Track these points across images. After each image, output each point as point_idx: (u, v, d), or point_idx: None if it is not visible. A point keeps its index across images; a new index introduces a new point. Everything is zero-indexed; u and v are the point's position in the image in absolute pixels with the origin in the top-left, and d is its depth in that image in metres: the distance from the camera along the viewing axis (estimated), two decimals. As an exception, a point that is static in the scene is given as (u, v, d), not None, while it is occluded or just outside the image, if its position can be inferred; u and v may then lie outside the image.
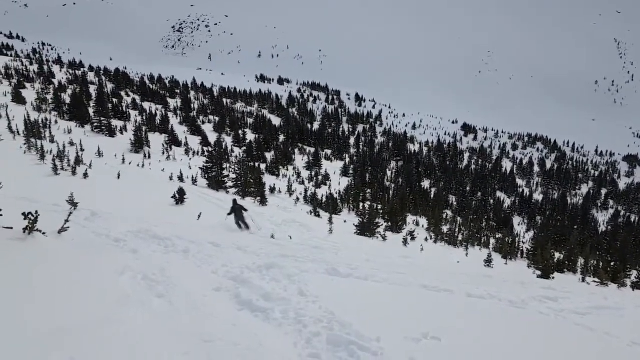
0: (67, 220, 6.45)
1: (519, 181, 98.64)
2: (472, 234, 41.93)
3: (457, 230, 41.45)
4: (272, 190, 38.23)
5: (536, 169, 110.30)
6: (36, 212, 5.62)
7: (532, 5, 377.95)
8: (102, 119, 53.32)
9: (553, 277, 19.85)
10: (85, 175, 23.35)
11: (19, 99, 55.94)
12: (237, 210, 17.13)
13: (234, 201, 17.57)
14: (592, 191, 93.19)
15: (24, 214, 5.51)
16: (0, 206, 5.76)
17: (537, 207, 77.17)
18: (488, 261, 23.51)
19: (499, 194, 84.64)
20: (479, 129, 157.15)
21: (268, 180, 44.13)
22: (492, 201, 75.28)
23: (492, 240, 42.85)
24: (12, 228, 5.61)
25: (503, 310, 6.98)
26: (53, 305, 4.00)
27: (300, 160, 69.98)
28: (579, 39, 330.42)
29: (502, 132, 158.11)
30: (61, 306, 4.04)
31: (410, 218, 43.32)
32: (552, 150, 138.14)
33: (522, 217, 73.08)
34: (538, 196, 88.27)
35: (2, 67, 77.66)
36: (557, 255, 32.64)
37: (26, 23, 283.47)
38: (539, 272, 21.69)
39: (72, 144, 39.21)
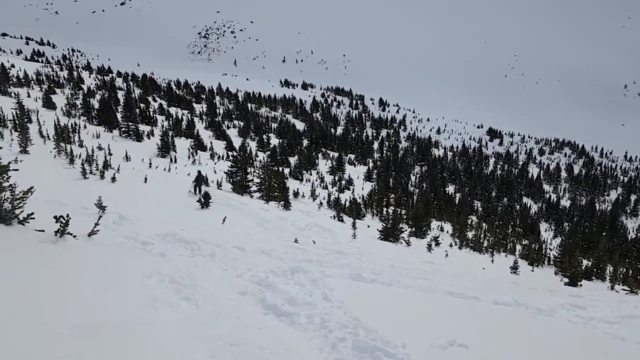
0: (97, 224, 6.58)
1: (546, 187, 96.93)
2: (498, 240, 41.34)
3: (482, 236, 40.94)
4: (296, 194, 38.31)
5: (563, 174, 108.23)
6: (67, 215, 5.74)
7: (559, 8, 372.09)
8: (130, 123, 54.26)
9: (581, 285, 19.49)
10: (113, 179, 23.73)
11: (49, 104, 57.26)
12: (199, 180, 23.74)
13: (199, 172, 24.77)
14: (621, 197, 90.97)
15: (55, 217, 5.64)
16: (33, 209, 5.90)
17: (565, 213, 75.74)
18: (514, 268, 23.15)
19: (525, 199, 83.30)
20: (505, 134, 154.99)
21: (292, 184, 44.25)
22: (518, 207, 74.13)
23: (518, 247, 42.21)
24: (43, 231, 5.74)
25: (530, 318, 6.87)
26: (83, 306, 4.08)
27: (323, 165, 70.03)
28: (608, 43, 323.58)
29: (529, 137, 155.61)
30: (91, 307, 4.12)
31: (434, 223, 42.92)
32: (579, 156, 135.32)
33: (549, 223, 71.81)
34: (565, 202, 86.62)
35: (33, 73, 79.65)
36: (585, 262, 31.99)
37: (57, 30, 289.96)
38: (566, 280, 21.30)
39: (100, 148, 39.94)
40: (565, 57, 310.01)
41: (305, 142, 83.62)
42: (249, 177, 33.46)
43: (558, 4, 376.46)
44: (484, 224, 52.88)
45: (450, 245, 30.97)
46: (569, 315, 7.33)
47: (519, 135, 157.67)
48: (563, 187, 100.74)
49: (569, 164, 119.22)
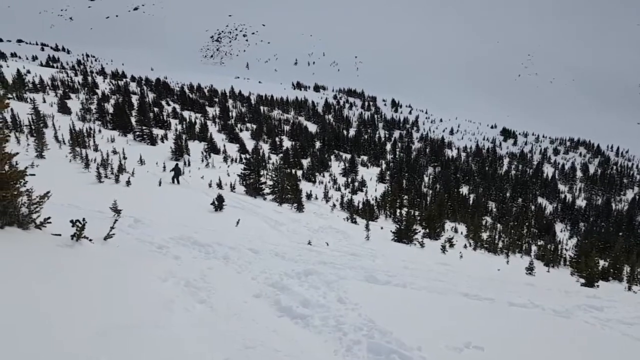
0: (112, 227, 6.64)
1: (561, 187, 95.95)
2: (513, 241, 40.99)
3: (497, 237, 40.64)
4: (309, 196, 38.33)
5: (579, 174, 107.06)
6: (83, 219, 5.80)
7: (572, 7, 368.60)
8: (144, 127, 54.70)
9: (598, 286, 19.25)
10: (128, 182, 23.93)
11: (64, 109, 57.96)
12: (177, 170, 27.22)
13: (176, 164, 28.70)
14: (637, 197, 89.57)
15: (71, 221, 5.70)
16: (49, 213, 5.97)
17: (580, 213, 74.94)
18: (530, 269, 22.93)
19: (540, 200, 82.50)
20: (519, 134, 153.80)
21: (304, 186, 44.29)
22: (533, 207, 73.43)
23: (534, 248, 41.83)
24: (60, 235, 5.80)
25: (547, 320, 6.81)
26: (100, 310, 4.11)
27: (336, 167, 70.02)
28: (623, 41, 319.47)
29: (543, 136, 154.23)
30: (107, 310, 4.16)
31: (448, 225, 42.68)
32: (595, 155, 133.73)
33: (565, 223, 71.08)
34: (581, 202, 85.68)
35: (49, 79, 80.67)
36: (601, 262, 31.57)
37: (71, 36, 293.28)
38: (582, 280, 21.04)
39: (115, 152, 40.33)
40: (579, 56, 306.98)
41: (317, 144, 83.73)
42: (262, 179, 33.55)
43: (571, 3, 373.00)
44: (498, 225, 52.50)
45: (465, 247, 30.77)
46: (586, 316, 7.26)
47: (533, 135, 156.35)
48: (578, 187, 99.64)
49: (584, 164, 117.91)
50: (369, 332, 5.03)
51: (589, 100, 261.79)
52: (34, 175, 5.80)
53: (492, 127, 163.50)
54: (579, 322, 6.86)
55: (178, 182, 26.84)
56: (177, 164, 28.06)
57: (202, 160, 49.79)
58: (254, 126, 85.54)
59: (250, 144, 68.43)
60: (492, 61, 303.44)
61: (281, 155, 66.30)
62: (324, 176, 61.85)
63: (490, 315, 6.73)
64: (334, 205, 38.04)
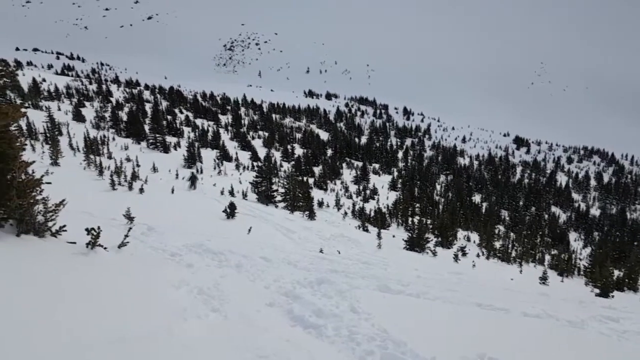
0: (126, 236, 6.69)
1: (575, 196, 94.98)
2: (526, 250, 40.64)
3: (510, 246, 40.31)
4: (320, 204, 38.34)
5: (593, 182, 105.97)
6: (98, 227, 5.85)
7: (586, 15, 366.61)
8: (157, 135, 55.19)
9: (612, 296, 18.97)
10: (141, 190, 24.11)
11: (78, 117, 58.69)
12: (193, 178, 33.23)
13: (192, 173, 35.59)
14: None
15: (86, 229, 5.75)
16: (64, 221, 6.02)
17: (594, 222, 74.10)
18: (543, 278, 22.71)
19: (553, 208, 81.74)
20: (532, 142, 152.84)
21: (316, 194, 44.33)
22: (546, 216, 72.77)
23: (547, 257, 41.43)
24: (75, 243, 5.85)
25: (561, 331, 6.71)
26: (114, 317, 4.13)
27: (348, 175, 70.00)
28: (637, 49, 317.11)
29: (557, 145, 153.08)
30: (122, 318, 4.18)
31: (460, 233, 42.42)
32: (609, 164, 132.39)
33: (579, 232, 70.29)
34: (595, 211, 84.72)
35: (64, 87, 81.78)
36: (616, 272, 31.15)
37: (86, 44, 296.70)
38: (597, 291, 20.77)
39: (128, 160, 40.70)
40: (592, 63, 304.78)
41: (329, 152, 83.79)
42: (274, 187, 33.63)
43: (584, 11, 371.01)
44: (511, 234, 52.07)
45: (478, 256, 30.56)
46: (601, 327, 7.14)
47: (546, 143, 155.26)
48: (592, 195, 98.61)
49: (599, 172, 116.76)
50: (382, 342, 4.98)
51: (603, 108, 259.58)
52: (49, 183, 5.86)
53: (504, 135, 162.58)
54: (595, 333, 6.75)
55: (195, 187, 32.45)
56: (192, 172, 35.50)
57: (215, 168, 50.04)
58: (266, 134, 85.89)
59: (262, 152, 68.67)
60: (505, 69, 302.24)
61: (293, 163, 66.44)
62: (335, 184, 61.84)
63: (504, 325, 6.65)
64: (346, 213, 38.00)
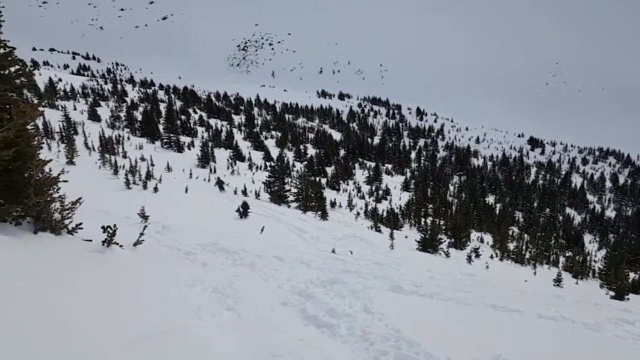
0: (141, 234, 6.74)
1: (590, 197, 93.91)
2: (540, 252, 40.29)
3: (524, 247, 39.97)
4: (333, 204, 38.33)
5: (608, 184, 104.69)
6: (114, 225, 5.90)
7: (601, 15, 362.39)
8: (171, 135, 55.58)
9: (628, 298, 18.73)
10: (155, 189, 24.30)
11: (94, 116, 59.27)
12: (220, 183, 34.77)
13: (218, 178, 37.10)
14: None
15: (103, 227, 5.81)
16: (80, 219, 6.08)
17: (610, 224, 73.25)
18: (558, 280, 22.50)
19: (568, 210, 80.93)
20: (547, 143, 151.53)
21: (329, 194, 44.30)
22: (561, 218, 72.10)
23: (562, 259, 41.05)
24: (91, 240, 5.91)
25: (576, 333, 6.65)
26: (130, 315, 4.17)
27: (360, 175, 69.89)
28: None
29: (571, 146, 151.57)
30: (138, 316, 4.21)
31: (474, 234, 42.17)
32: (625, 165, 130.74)
33: (594, 234, 69.55)
34: (610, 213, 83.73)
35: (79, 87, 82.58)
36: (631, 275, 30.76)
37: (102, 45, 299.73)
38: (612, 293, 20.50)
39: (142, 159, 41.01)
40: (608, 64, 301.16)
41: (342, 152, 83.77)
42: (287, 187, 33.70)
43: (600, 11, 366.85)
44: (525, 235, 51.63)
45: (491, 257, 30.36)
46: (617, 330, 7.06)
47: (561, 144, 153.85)
48: (608, 197, 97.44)
49: (614, 174, 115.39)
50: (396, 342, 4.97)
51: (619, 109, 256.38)
52: (66, 181, 5.92)
53: (519, 136, 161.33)
54: (610, 336, 6.68)
55: (224, 190, 34.11)
56: (218, 177, 38.02)
57: (228, 168, 50.25)
58: (279, 134, 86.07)
59: (275, 152, 68.82)
60: (520, 70, 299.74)
61: (305, 163, 66.50)
62: (348, 184, 61.78)
63: (519, 327, 6.60)
64: (358, 214, 37.94)
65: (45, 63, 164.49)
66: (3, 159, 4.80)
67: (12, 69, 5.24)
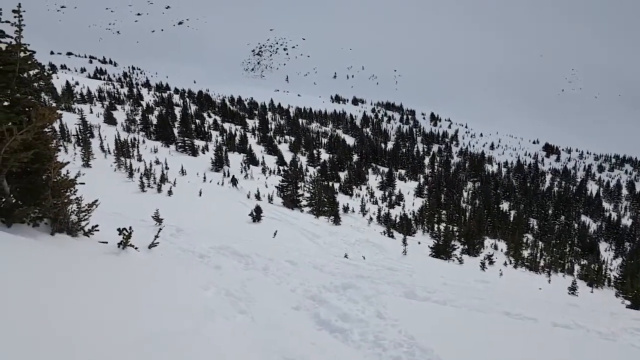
0: (156, 236, 6.79)
1: (606, 205, 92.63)
2: (555, 260, 39.85)
3: (538, 255, 39.57)
4: (346, 209, 38.27)
5: (624, 192, 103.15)
6: (130, 228, 5.96)
7: (617, 21, 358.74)
8: (186, 139, 55.98)
9: (645, 309, 18.46)
10: (170, 192, 24.48)
11: (110, 119, 59.89)
12: (234, 181, 39.03)
13: (233, 176, 41.96)
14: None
15: (119, 229, 5.86)
16: (95, 221, 6.14)
17: (626, 232, 72.17)
18: (572, 289, 22.24)
19: (583, 218, 79.97)
20: (562, 150, 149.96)
21: (341, 199, 44.26)
22: (576, 225, 71.26)
23: (577, 267, 40.59)
24: (107, 242, 5.97)
25: (592, 342, 6.57)
26: (146, 316, 4.20)
27: (373, 180, 69.74)
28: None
29: (587, 153, 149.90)
30: (153, 317, 4.25)
31: (488, 241, 41.83)
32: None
33: (609, 242, 68.59)
34: (627, 221, 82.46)
35: (96, 90, 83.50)
36: (649, 285, 30.33)
37: (118, 49, 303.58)
38: (628, 302, 20.23)
39: (157, 162, 41.35)
40: (625, 70, 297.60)
41: (355, 157, 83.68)
42: (300, 191, 33.75)
43: (616, 17, 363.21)
44: (540, 243, 51.13)
45: (505, 264, 30.09)
46: (633, 339, 6.96)
47: (577, 151, 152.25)
48: (624, 205, 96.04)
49: (631, 181, 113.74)
50: (409, 349, 4.95)
51: (636, 116, 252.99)
52: (83, 184, 5.99)
53: (534, 143, 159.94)
54: (626, 345, 6.59)
55: (237, 187, 38.91)
56: (233, 176, 42.51)
57: (241, 172, 50.43)
58: (292, 138, 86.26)
59: (288, 156, 68.97)
60: (535, 75, 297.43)
61: (319, 167, 66.52)
62: (361, 189, 61.68)
63: (533, 335, 6.54)
64: (371, 219, 37.86)
65: (63, 67, 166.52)
66: (22, 161, 4.89)
67: (32, 73, 5.33)
